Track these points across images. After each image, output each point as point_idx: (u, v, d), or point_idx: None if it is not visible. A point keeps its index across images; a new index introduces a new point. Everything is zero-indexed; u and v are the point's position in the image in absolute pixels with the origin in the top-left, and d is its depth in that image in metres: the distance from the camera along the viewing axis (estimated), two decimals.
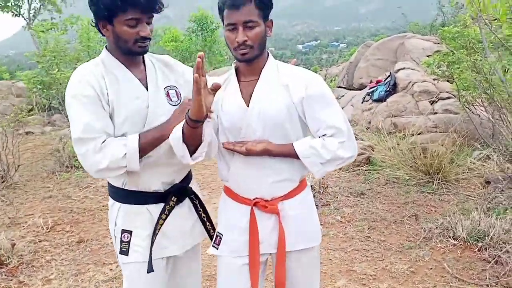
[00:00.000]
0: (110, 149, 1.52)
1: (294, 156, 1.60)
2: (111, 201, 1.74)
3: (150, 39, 1.61)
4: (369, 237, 3.54)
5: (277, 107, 1.59)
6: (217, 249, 1.70)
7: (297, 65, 1.76)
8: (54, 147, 5.92)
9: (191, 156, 1.53)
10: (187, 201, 1.78)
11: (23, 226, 3.95)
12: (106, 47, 1.67)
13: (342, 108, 7.70)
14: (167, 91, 1.70)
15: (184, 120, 1.46)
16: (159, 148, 1.64)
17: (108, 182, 1.74)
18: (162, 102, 1.67)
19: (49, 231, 3.85)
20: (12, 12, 12.09)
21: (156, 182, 1.68)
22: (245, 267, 1.66)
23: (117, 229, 1.69)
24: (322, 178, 4.53)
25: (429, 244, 3.35)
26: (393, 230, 3.64)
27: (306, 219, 1.72)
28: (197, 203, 1.80)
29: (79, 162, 5.67)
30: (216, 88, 1.40)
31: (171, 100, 1.69)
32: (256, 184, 1.64)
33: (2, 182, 4.96)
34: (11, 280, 3.04)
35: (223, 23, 1.57)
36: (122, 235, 1.67)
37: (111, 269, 3.19)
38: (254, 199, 1.65)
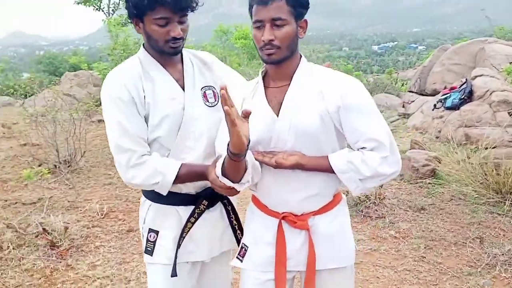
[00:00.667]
0: (145, 171, 1.49)
1: (329, 170, 1.45)
2: (142, 198, 1.70)
3: (182, 39, 1.53)
4: (424, 257, 3.26)
5: (311, 116, 1.44)
6: (241, 261, 1.59)
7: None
8: None
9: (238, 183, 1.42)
10: (219, 206, 1.69)
11: (80, 211, 4.12)
12: (143, 45, 1.63)
13: (411, 114, 7.35)
14: (204, 92, 1.64)
15: (226, 155, 1.34)
16: (193, 151, 1.58)
17: None
18: (198, 103, 1.61)
19: (103, 217, 3.99)
20: (93, 6, 12.87)
21: (188, 184, 1.61)
22: (270, 282, 1.54)
23: (145, 227, 1.65)
24: (380, 187, 4.28)
25: (492, 272, 3.01)
26: (453, 252, 3.33)
27: (339, 236, 1.57)
28: (229, 209, 1.71)
29: None
30: (247, 115, 1.27)
31: (207, 101, 1.63)
32: (286, 198, 1.51)
33: (68, 167, 5.23)
34: (60, 262, 3.16)
35: (252, 20, 1.44)
36: (149, 234, 1.63)
37: None
38: (282, 213, 1.52)
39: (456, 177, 4.60)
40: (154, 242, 1.62)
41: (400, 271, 3.07)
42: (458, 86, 6.98)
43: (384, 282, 2.93)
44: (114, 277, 3.02)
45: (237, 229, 1.73)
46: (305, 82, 1.48)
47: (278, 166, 1.44)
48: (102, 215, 4.02)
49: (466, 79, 6.87)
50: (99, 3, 12.91)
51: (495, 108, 6.10)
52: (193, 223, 1.62)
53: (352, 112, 1.43)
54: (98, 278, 2.99)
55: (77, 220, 3.90)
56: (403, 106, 9.09)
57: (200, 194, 1.63)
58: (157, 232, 1.62)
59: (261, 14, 1.38)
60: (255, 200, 1.62)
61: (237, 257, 1.61)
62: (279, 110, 1.46)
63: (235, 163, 1.33)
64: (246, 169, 1.39)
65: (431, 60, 9.40)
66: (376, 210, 4.04)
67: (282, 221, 1.52)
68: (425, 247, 3.40)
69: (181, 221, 1.61)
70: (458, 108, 6.45)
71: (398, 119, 8.02)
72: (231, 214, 1.71)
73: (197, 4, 1.52)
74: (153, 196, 1.63)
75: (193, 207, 1.61)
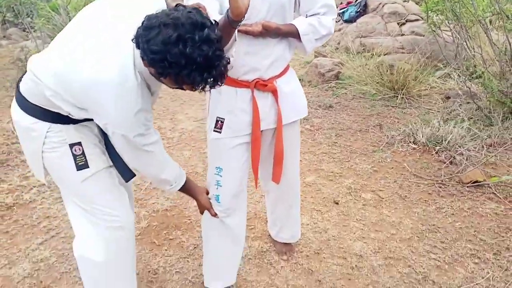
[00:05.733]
0: None
1: (295, 34, 1.71)
2: (31, 119, 1.44)
3: None
4: (336, 142, 3.75)
5: None
6: (220, 132, 1.77)
7: None
8: (15, 56, 5.68)
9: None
10: None
11: None
12: None
13: None
14: None
15: (226, 19, 1.38)
16: None
17: (26, 99, 1.44)
18: None
19: None
20: None
21: None
22: (243, 145, 1.80)
23: (60, 147, 1.46)
24: None
25: (391, 149, 3.60)
26: (359, 137, 3.87)
27: (296, 93, 1.88)
28: None
29: None
30: None
31: None
32: (257, 66, 1.71)
33: None
34: None
35: None
36: (73, 149, 1.47)
37: None
38: (253, 80, 1.73)
39: (356, 79, 5.15)
40: (83, 153, 1.48)
41: (318, 154, 3.52)
42: (354, 1, 7.46)
43: (305, 163, 3.35)
44: (51, 184, 3.03)
45: None
46: None
47: (264, 29, 1.61)
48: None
49: None
50: None
51: (386, 19, 6.70)
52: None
53: None
54: (35, 187, 2.98)
55: None
56: None
57: None
58: (79, 143, 1.48)
59: None
60: None
61: (214, 131, 1.78)
62: None
63: (231, 29, 1.41)
64: (235, 39, 1.49)
65: None
66: None
67: (254, 88, 1.73)
68: (336, 135, 3.89)
69: (91, 130, 1.53)
70: (355, 21, 6.96)
71: None
72: None
73: None
74: (59, 118, 1.45)
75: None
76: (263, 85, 1.74)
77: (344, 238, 2.49)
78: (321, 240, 2.47)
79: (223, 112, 1.78)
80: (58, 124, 1.44)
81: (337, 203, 2.83)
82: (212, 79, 1.22)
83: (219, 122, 1.79)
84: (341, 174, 3.20)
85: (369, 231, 2.56)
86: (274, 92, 1.77)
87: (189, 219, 2.65)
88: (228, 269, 2.05)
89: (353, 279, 2.18)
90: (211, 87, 1.26)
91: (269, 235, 2.44)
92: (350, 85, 5.10)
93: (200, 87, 1.24)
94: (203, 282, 2.13)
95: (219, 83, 1.26)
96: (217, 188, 1.81)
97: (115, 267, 1.56)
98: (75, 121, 1.46)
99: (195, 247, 2.40)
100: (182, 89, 1.29)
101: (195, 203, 2.79)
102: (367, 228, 2.59)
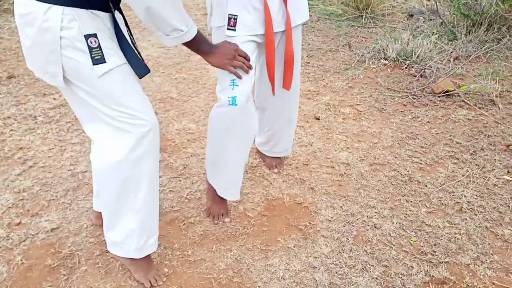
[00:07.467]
0: None
1: None
2: (42, 6, 1.28)
3: None
4: (309, 62, 3.73)
5: None
6: (234, 30, 1.68)
7: None
8: None
9: None
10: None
11: None
12: None
13: None
14: None
15: None
16: None
17: None
18: None
19: None
20: None
21: None
22: (253, 43, 1.73)
23: (74, 37, 1.31)
24: None
25: (363, 66, 3.63)
26: (329, 57, 3.86)
27: None
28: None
29: None
30: None
31: None
32: None
33: None
34: None
35: None
36: (89, 41, 1.33)
37: (54, 99, 3.07)
38: None
39: (321, 0, 5.05)
40: (99, 46, 1.35)
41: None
42: None
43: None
44: (17, 116, 2.84)
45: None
46: None
47: None
48: None
49: None
50: None
51: None
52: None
53: None
54: None
55: None
56: None
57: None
58: (95, 35, 1.34)
59: None
60: None
61: (228, 29, 1.68)
62: None
63: None
64: None
65: None
66: None
67: None
68: (307, 56, 3.85)
69: (104, 24, 1.39)
70: None
71: None
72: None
73: None
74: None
75: (106, 13, 1.40)
76: None
77: (330, 150, 2.55)
78: (307, 153, 2.52)
79: (235, 9, 1.68)
80: (71, 8, 1.27)
81: (318, 119, 2.86)
82: None
83: (232, 19, 1.69)
84: (318, 92, 3.21)
85: (352, 141, 2.63)
86: None
87: (173, 142, 2.60)
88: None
89: (343, 184, 2.26)
90: None
91: (257, 151, 2.45)
92: (314, 6, 5.00)
93: None
94: (198, 198, 2.13)
95: None
96: (233, 89, 1.71)
97: (139, 173, 1.48)
98: (88, 5, 1.31)
99: (184, 167, 2.38)
100: None
101: (176, 126, 2.75)
102: (349, 139, 2.65)
